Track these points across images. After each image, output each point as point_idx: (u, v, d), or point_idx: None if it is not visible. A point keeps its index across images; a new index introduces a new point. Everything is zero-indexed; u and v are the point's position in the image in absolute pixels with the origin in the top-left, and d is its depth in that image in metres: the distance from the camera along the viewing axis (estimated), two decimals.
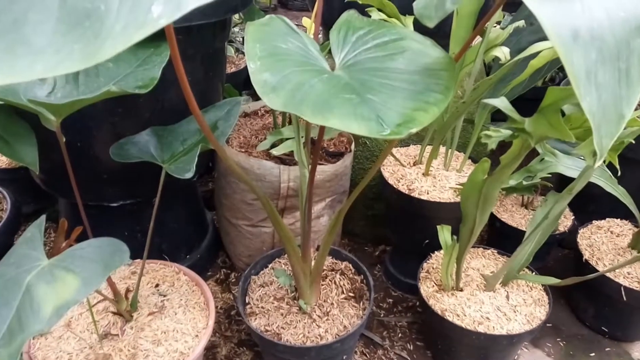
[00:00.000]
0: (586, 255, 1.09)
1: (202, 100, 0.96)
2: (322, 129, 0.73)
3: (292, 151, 1.06)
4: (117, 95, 0.66)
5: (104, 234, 0.66)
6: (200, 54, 0.92)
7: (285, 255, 1.04)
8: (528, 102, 1.18)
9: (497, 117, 1.23)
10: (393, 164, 1.15)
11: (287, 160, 1.11)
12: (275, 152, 0.99)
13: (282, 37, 0.64)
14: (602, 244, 1.11)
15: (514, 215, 1.26)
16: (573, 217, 1.25)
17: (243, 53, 1.93)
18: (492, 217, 1.26)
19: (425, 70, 0.57)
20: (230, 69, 1.78)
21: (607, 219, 1.20)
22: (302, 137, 0.88)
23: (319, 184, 1.08)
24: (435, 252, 1.08)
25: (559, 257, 1.36)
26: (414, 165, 1.15)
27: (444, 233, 0.96)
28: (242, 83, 1.79)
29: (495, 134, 0.65)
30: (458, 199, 1.04)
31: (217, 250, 1.31)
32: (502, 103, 0.61)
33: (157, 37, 0.80)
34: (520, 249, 0.95)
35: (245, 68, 1.90)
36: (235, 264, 1.26)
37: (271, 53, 0.60)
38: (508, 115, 0.62)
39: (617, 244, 1.11)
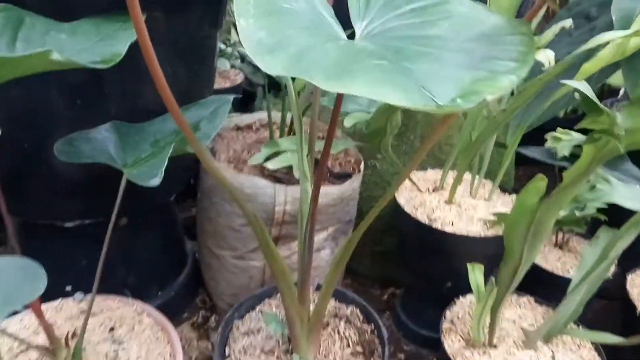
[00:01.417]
0: (639, 306, 0.90)
1: (184, 98, 0.79)
2: (331, 132, 0.55)
3: (291, 167, 0.88)
4: (64, 66, 0.49)
5: (56, 263, 0.49)
6: (185, 40, 0.76)
7: (278, 296, 0.84)
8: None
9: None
10: (409, 189, 0.97)
11: (283, 178, 0.94)
12: (270, 165, 0.82)
13: None
14: None
15: (547, 257, 1.08)
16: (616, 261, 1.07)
17: (239, 68, 1.79)
18: None
19: (482, 37, 0.41)
20: (224, 83, 1.63)
21: None
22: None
23: (321, 209, 0.90)
24: (461, 297, 0.89)
25: (597, 309, 1.16)
26: (434, 191, 0.97)
27: (476, 274, 0.78)
28: (238, 102, 1.63)
29: (566, 137, 0.48)
30: (489, 233, 0.86)
31: (197, 287, 1.11)
32: (584, 87, 0.44)
33: (127, 11, 0.64)
34: (569, 298, 0.76)
35: (241, 84, 1.76)
36: (216, 304, 1.06)
37: (269, 11, 0.44)
38: (587, 110, 0.45)
39: None
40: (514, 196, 0.97)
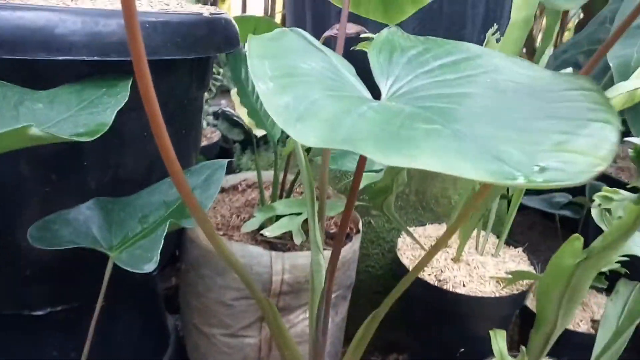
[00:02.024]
0: None
1: None
2: (356, 183, 0.50)
3: (287, 233, 0.82)
4: (44, 141, 0.42)
5: (24, 356, 0.40)
6: (172, 102, 0.70)
7: None
8: None
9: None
10: (411, 247, 0.92)
11: (278, 245, 0.87)
12: (268, 232, 0.75)
13: (301, 54, 0.43)
14: None
15: None
16: None
17: (214, 126, 1.73)
18: (528, 312, 1.03)
19: (536, 92, 0.37)
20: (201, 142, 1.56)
21: None
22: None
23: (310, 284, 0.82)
24: None
25: None
26: None
27: (499, 341, 0.71)
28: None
29: (618, 197, 0.44)
30: (503, 292, 0.80)
31: None
32: None
33: (112, 74, 0.58)
34: (595, 358, 0.71)
35: (218, 142, 1.70)
36: None
37: (287, 73, 0.39)
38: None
39: None
40: (520, 249, 0.93)
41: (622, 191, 0.45)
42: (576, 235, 0.54)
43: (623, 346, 0.71)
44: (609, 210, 0.76)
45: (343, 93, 0.39)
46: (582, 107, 0.32)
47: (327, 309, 0.57)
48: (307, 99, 0.35)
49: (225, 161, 0.69)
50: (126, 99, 0.54)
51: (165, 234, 0.50)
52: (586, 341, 0.97)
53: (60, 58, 0.53)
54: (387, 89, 0.43)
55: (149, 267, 0.47)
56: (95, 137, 0.46)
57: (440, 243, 0.52)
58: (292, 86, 0.37)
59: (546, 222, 1.03)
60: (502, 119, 0.33)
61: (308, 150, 1.09)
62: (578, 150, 0.28)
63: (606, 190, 0.45)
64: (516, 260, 0.89)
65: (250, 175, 1.11)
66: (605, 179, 1.00)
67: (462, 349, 0.85)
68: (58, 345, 0.78)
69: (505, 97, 0.36)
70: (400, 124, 0.32)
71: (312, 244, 0.57)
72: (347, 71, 0.44)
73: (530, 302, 1.02)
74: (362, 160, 0.52)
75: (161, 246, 0.49)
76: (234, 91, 1.26)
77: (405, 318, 0.95)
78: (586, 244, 0.57)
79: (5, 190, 0.61)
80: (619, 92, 0.60)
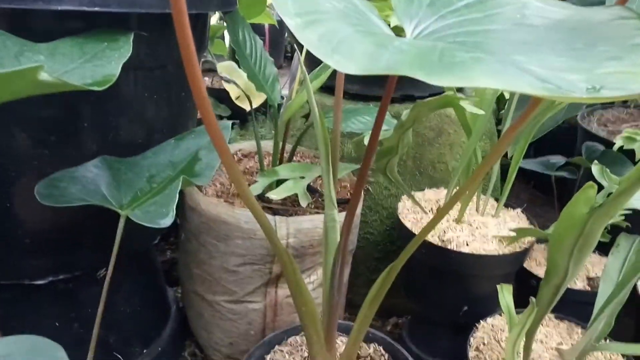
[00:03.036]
0: None
1: (174, 127, 0.70)
2: (374, 139, 0.49)
3: (289, 199, 0.81)
4: (52, 89, 0.40)
5: (23, 327, 0.38)
6: (171, 64, 0.67)
7: (289, 341, 0.75)
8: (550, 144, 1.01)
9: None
10: (413, 210, 0.92)
11: (281, 210, 0.86)
12: (274, 195, 0.74)
13: None
14: None
15: None
16: None
17: None
18: (525, 272, 1.04)
19: (573, 25, 0.36)
20: None
21: None
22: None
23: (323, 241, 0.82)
24: (482, 321, 0.83)
25: None
26: None
27: (505, 296, 0.72)
28: None
29: None
30: (506, 251, 0.81)
31: (184, 340, 0.99)
32: None
33: (113, 29, 0.56)
34: (600, 314, 0.73)
35: None
36: (209, 356, 0.94)
37: (312, 11, 0.38)
38: None
39: None
40: (518, 210, 0.94)
41: None
42: (590, 183, 0.54)
43: (624, 299, 0.73)
44: (614, 167, 0.77)
45: (372, 30, 0.38)
46: (624, 34, 0.31)
47: (342, 266, 0.56)
48: (338, 33, 0.34)
49: (230, 122, 0.67)
50: (130, 53, 0.52)
51: (179, 188, 0.49)
52: (583, 298, 0.99)
53: (59, 8, 0.51)
54: (411, 29, 0.42)
55: (166, 221, 0.46)
56: (105, 87, 0.44)
57: (451, 203, 0.52)
58: (320, 22, 0.35)
59: (544, 185, 1.04)
60: (546, 50, 0.32)
61: (306, 116, 1.07)
62: (630, 71, 0.27)
63: (628, 132, 0.45)
64: (516, 220, 0.91)
65: (246, 145, 1.09)
66: (600, 141, 1.01)
67: (466, 308, 0.86)
68: (59, 316, 0.76)
69: (542, 31, 0.36)
70: (440, 55, 0.31)
71: (326, 199, 0.57)
72: (370, 11, 0.42)
73: (527, 263, 1.04)
74: (381, 115, 0.51)
75: (176, 201, 0.48)
76: (223, 64, 1.23)
77: (406, 281, 0.95)
78: None
79: (2, 154, 0.59)
80: None
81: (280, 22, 2.72)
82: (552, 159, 1.03)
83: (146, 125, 0.68)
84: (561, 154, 1.10)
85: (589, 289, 1.01)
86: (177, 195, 0.48)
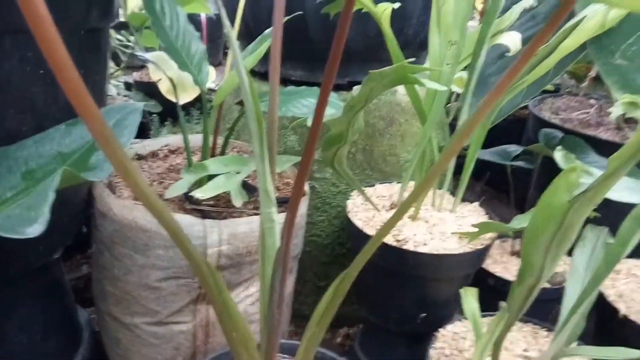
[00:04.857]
0: (622, 309, 0.83)
1: (70, 110, 0.56)
2: (317, 125, 0.38)
3: (218, 197, 0.69)
4: None
5: None
6: (64, 31, 0.53)
7: None
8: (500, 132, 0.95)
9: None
10: (363, 208, 0.82)
11: (212, 213, 0.73)
12: (200, 194, 0.61)
13: None
14: (632, 291, 0.87)
15: (508, 267, 0.99)
16: None
17: (127, 96, 1.53)
18: (482, 271, 0.98)
19: None
20: None
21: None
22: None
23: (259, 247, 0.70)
24: (442, 329, 0.74)
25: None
26: (392, 208, 0.83)
27: (470, 300, 0.64)
28: None
29: None
30: (467, 249, 0.73)
31: None
32: None
33: None
34: (571, 315, 0.66)
35: None
36: None
37: None
38: None
39: None
40: (476, 204, 0.87)
41: None
42: (572, 166, 0.46)
43: (594, 299, 0.67)
44: (573, 153, 0.71)
45: None
46: None
47: (283, 276, 0.45)
48: None
49: (141, 104, 0.54)
50: None
51: (56, 185, 0.35)
52: (542, 296, 0.94)
53: None
54: None
55: (34, 230, 0.33)
56: None
57: (411, 200, 0.43)
58: None
59: (500, 176, 0.99)
60: None
61: (242, 102, 0.95)
62: None
63: (628, 97, 0.37)
64: (474, 215, 0.83)
65: (173, 140, 0.95)
66: (554, 128, 0.97)
67: (424, 314, 0.77)
68: None
69: None
70: None
71: (262, 196, 0.45)
72: None
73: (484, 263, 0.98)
74: (323, 98, 0.40)
75: (50, 201, 0.35)
76: (152, 54, 1.09)
77: (357, 286, 0.85)
78: (539, 195, 0.50)
79: None
80: (584, 15, 0.54)
81: (218, 15, 2.57)
82: (508, 148, 0.97)
83: (32, 108, 0.53)
84: (520, 143, 1.05)
85: (548, 285, 0.96)
86: (52, 195, 0.35)
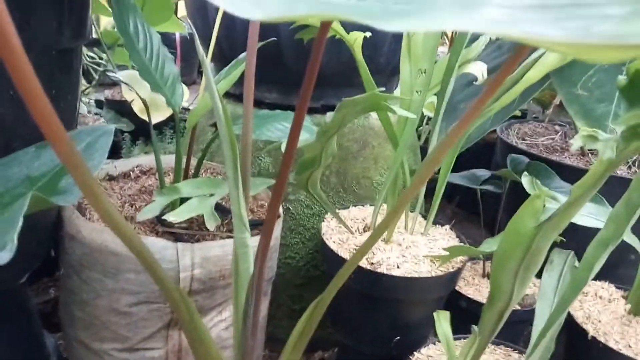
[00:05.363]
0: (590, 330, 0.85)
1: (32, 135, 0.55)
2: (291, 150, 0.39)
3: (191, 220, 0.68)
4: None
5: None
6: (34, 51, 0.53)
7: None
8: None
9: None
10: (337, 230, 0.82)
11: (184, 236, 0.72)
12: (173, 217, 0.60)
13: None
14: (599, 313, 0.89)
15: (480, 289, 1.00)
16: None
17: (97, 114, 1.51)
18: (454, 293, 0.99)
19: None
20: None
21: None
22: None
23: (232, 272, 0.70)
24: (416, 353, 0.75)
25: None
26: (366, 231, 0.84)
27: (443, 324, 0.65)
28: None
29: (603, 136, 0.38)
30: (439, 272, 0.74)
31: None
32: None
33: None
34: (541, 338, 0.67)
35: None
36: None
37: None
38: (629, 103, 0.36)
39: (615, 311, 0.90)
40: (447, 227, 0.88)
41: (599, 131, 0.40)
42: (537, 193, 0.48)
43: (562, 321, 0.68)
44: (539, 179, 0.73)
45: None
46: None
47: (257, 302, 0.45)
48: None
49: (112, 126, 0.53)
50: None
51: (24, 210, 0.35)
52: (512, 317, 0.95)
53: None
54: None
55: (1, 257, 0.32)
56: None
57: (384, 224, 0.44)
58: None
59: (469, 199, 1.01)
60: None
61: (215, 125, 0.95)
62: None
63: (586, 130, 0.39)
64: (445, 237, 0.84)
65: (145, 160, 0.94)
66: (521, 153, 1.00)
67: (398, 338, 0.78)
68: None
69: None
70: (383, 6, 0.22)
71: (235, 219, 0.45)
72: None
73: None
74: (297, 123, 0.41)
75: (18, 228, 0.34)
76: (124, 73, 1.08)
77: (331, 310, 0.85)
78: (508, 218, 0.51)
79: None
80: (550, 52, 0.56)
81: (192, 35, 2.57)
82: (477, 172, 1.00)
83: (1, 129, 0.52)
84: (488, 167, 1.08)
85: (518, 307, 0.98)
86: (20, 220, 0.34)
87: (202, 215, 0.66)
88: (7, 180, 0.45)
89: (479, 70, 0.72)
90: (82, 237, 0.67)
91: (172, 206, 0.70)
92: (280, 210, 0.81)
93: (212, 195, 0.67)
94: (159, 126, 1.73)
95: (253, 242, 0.59)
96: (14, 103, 0.54)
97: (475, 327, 0.58)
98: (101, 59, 1.97)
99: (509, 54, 0.81)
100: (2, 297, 0.68)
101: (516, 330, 1.04)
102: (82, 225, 0.67)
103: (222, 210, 0.76)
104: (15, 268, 0.64)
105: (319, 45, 0.35)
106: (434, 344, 0.76)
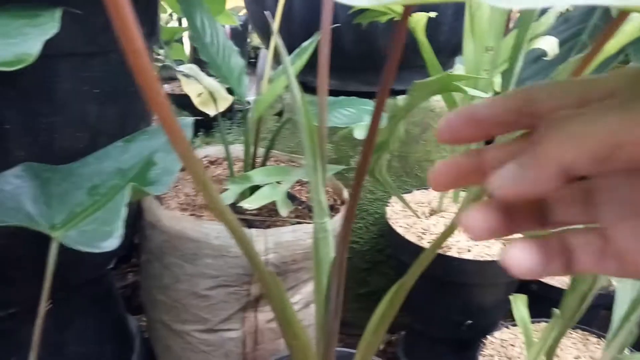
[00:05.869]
0: None
1: (122, 129, 0.58)
2: (372, 132, 0.39)
3: (264, 208, 0.70)
4: None
5: None
6: (115, 52, 0.56)
7: None
8: None
9: None
10: (403, 215, 0.82)
11: (256, 221, 0.75)
12: (248, 204, 0.63)
13: None
14: None
15: None
16: None
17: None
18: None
19: None
20: None
21: None
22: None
23: (308, 254, 0.72)
24: (489, 336, 0.74)
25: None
26: (432, 214, 0.83)
27: (520, 307, 0.63)
28: None
29: None
30: None
31: None
32: None
33: (33, 3, 0.44)
34: (623, 320, 0.64)
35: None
36: None
37: None
38: None
39: None
40: None
41: None
42: None
43: None
44: None
45: None
46: None
47: (339, 285, 0.46)
48: None
49: (191, 119, 0.56)
50: (55, 30, 0.40)
51: (126, 200, 0.37)
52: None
53: None
54: None
55: (110, 243, 0.35)
56: (17, 67, 0.33)
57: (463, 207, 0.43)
58: None
59: None
60: None
61: (279, 114, 0.97)
62: None
63: None
64: None
65: (213, 151, 0.98)
66: None
67: (470, 321, 0.77)
68: None
69: None
70: None
71: (314, 205, 0.46)
72: None
73: None
74: (379, 108, 0.41)
75: (123, 216, 0.36)
76: (184, 66, 1.12)
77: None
78: None
79: None
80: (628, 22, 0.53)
81: (243, 25, 2.60)
82: None
83: (87, 126, 0.56)
84: None
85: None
86: (125, 209, 0.37)
87: (271, 202, 0.68)
88: (101, 172, 0.48)
89: (549, 44, 0.69)
90: (162, 225, 0.70)
91: (242, 194, 0.73)
92: (345, 194, 0.82)
93: (280, 182, 0.69)
94: (216, 118, 1.78)
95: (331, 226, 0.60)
96: (99, 100, 0.57)
97: (556, 310, 0.57)
98: (158, 54, 2.04)
99: (578, 26, 0.77)
100: (93, 283, 0.73)
101: (591, 314, 1.00)
102: (162, 214, 0.71)
103: (289, 197, 0.78)
104: (107, 254, 0.68)
105: (401, 29, 0.35)
106: (508, 327, 0.75)
